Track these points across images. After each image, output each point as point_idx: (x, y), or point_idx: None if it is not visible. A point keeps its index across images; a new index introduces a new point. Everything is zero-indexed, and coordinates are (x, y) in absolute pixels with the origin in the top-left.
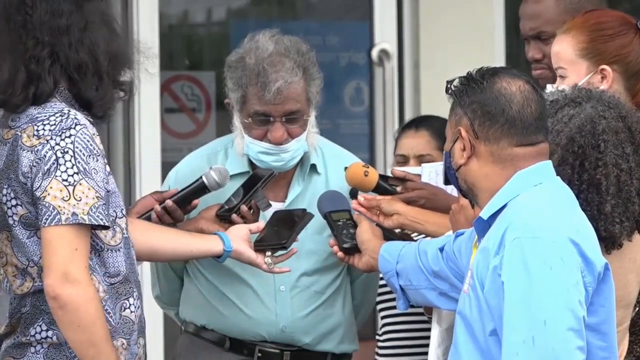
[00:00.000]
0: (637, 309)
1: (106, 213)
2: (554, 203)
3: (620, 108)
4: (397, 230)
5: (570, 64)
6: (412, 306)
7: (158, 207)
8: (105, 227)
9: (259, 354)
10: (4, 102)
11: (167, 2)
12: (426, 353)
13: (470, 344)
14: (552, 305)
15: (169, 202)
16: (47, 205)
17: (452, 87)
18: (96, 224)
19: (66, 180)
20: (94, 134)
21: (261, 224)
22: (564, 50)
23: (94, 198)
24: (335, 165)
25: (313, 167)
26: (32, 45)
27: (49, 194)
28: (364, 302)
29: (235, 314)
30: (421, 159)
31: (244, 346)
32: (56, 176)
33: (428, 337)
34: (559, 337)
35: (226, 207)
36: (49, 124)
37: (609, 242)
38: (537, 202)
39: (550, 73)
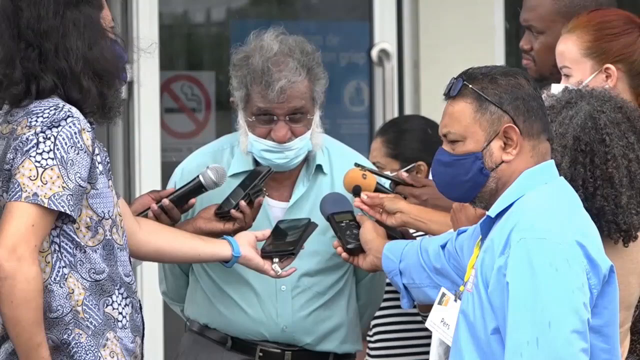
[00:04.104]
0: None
1: (71, 203)
2: (560, 204)
3: (615, 100)
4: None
5: (575, 63)
6: (415, 306)
7: (155, 206)
8: (72, 220)
9: (261, 354)
10: (1, 83)
11: (167, 2)
12: (416, 353)
13: (472, 342)
14: (557, 307)
15: (165, 201)
16: (14, 182)
17: (471, 85)
18: (55, 209)
19: (39, 162)
20: (83, 129)
21: (267, 231)
22: (569, 49)
23: (59, 187)
24: (341, 166)
25: (319, 168)
26: (24, 46)
27: (19, 172)
28: (369, 302)
29: (236, 314)
30: (376, 166)
31: (246, 346)
32: (30, 156)
33: (418, 338)
34: (563, 339)
35: (225, 209)
36: (42, 116)
37: (626, 235)
38: (544, 203)
39: (534, 66)
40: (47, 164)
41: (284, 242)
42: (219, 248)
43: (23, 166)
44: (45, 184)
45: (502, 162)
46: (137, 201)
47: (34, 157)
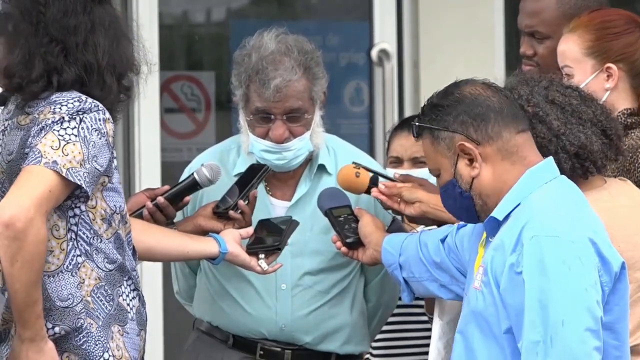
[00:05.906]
0: None
1: (87, 180)
2: (568, 201)
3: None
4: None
5: (576, 63)
6: (415, 300)
7: (150, 204)
8: (85, 199)
9: (261, 352)
10: (19, 86)
11: (167, 2)
12: (419, 353)
13: (483, 341)
14: (570, 305)
15: (160, 199)
16: (34, 150)
17: (419, 123)
18: (72, 181)
19: (62, 136)
20: (108, 119)
21: (250, 229)
22: (570, 48)
23: (78, 162)
24: None
25: (322, 167)
26: (47, 41)
27: (40, 142)
28: (380, 304)
29: (237, 312)
30: (416, 161)
31: (247, 344)
32: (54, 130)
33: (421, 338)
34: (577, 337)
35: (222, 207)
36: (66, 105)
37: (581, 159)
38: (552, 201)
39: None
40: (70, 139)
41: (269, 238)
42: (207, 245)
43: (45, 137)
44: (66, 155)
45: (472, 178)
46: (132, 199)
47: (58, 131)
